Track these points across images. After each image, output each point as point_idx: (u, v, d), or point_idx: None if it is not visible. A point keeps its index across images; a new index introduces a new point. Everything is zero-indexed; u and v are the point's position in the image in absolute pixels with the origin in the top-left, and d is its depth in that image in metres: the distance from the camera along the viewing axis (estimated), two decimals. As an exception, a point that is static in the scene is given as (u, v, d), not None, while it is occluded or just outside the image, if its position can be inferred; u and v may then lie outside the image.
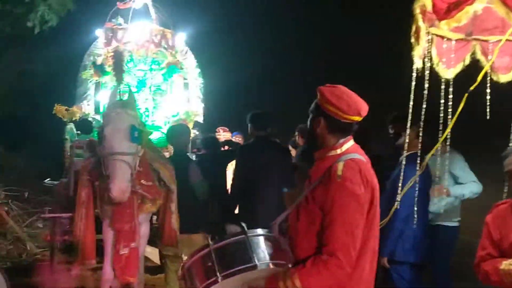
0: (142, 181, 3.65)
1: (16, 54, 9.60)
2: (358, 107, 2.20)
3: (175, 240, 3.99)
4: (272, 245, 2.03)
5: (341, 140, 2.23)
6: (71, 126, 6.06)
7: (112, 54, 3.86)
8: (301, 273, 2.00)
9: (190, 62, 7.05)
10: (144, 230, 3.84)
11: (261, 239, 2.01)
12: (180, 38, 6.97)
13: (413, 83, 2.96)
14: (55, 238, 5.67)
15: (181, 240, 4.08)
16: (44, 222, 6.97)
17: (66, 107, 6.07)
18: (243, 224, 2.03)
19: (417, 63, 2.91)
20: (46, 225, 6.98)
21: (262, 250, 1.97)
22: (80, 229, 3.79)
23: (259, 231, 2.05)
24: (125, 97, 3.72)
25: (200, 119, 6.95)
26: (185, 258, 4.54)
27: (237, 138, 6.80)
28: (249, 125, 4.43)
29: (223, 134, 6.68)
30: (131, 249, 3.57)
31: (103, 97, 6.52)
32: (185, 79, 6.96)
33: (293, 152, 5.74)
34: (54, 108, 6.02)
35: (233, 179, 4.48)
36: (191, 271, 2.02)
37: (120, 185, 3.28)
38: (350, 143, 2.25)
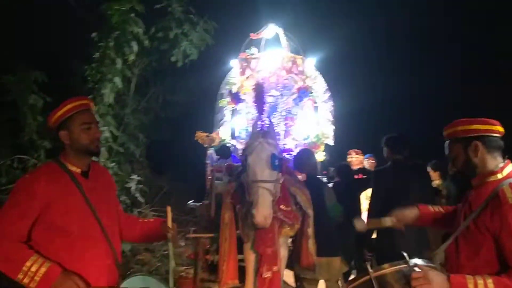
0: (282, 206, 3.78)
1: (161, 85, 10.52)
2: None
3: (312, 264, 4.02)
4: None
5: (501, 165, 2.16)
6: (211, 151, 6.46)
7: (253, 87, 4.10)
8: (497, 281, 1.91)
9: (319, 86, 7.11)
10: (282, 253, 3.94)
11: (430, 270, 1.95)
12: (310, 63, 7.11)
13: None
14: (198, 257, 6.07)
15: (318, 264, 4.10)
16: (186, 241, 7.48)
17: (207, 134, 6.49)
18: (405, 254, 2.00)
19: None
20: (189, 244, 7.50)
21: None
22: (225, 249, 4.02)
23: (419, 261, 2.01)
24: (266, 127, 3.90)
25: (331, 141, 6.93)
26: (321, 281, 4.56)
27: (370, 161, 6.67)
28: (384, 148, 4.34)
29: (355, 157, 6.60)
30: (274, 273, 3.69)
31: (238, 123, 6.95)
32: (315, 102, 7.05)
33: (433, 175, 5.49)
34: (196, 134, 6.47)
35: (370, 204, 4.41)
36: None
37: (263, 211, 3.43)
38: (510, 167, 2.17)
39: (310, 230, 3.98)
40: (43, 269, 2.13)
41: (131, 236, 2.69)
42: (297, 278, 5.48)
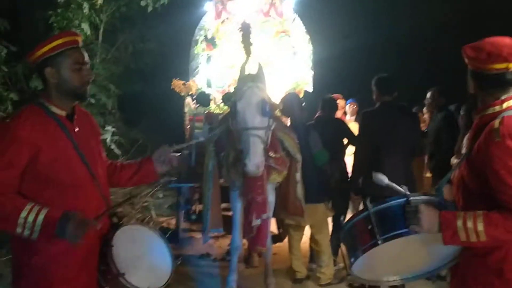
0: (271, 153, 3.62)
1: (130, 34, 10.02)
2: (504, 52, 1.90)
3: (300, 210, 3.94)
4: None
5: (503, 97, 1.95)
6: (188, 99, 6.23)
7: (240, 27, 3.85)
8: (487, 217, 1.80)
9: (298, 30, 6.87)
10: (270, 199, 3.84)
11: (423, 204, 1.88)
12: (289, 5, 6.84)
13: None
14: (179, 207, 5.97)
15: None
16: (165, 191, 7.35)
17: (183, 82, 6.23)
18: (405, 187, 1.91)
19: None
20: (168, 195, 7.39)
21: None
22: (208, 198, 3.89)
23: (419, 196, 1.93)
24: (255, 70, 3.68)
25: (310, 88, 6.78)
26: (307, 228, 4.52)
27: (352, 106, 6.55)
28: (373, 89, 4.19)
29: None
30: (263, 220, 3.58)
31: (214, 71, 6.68)
32: (293, 47, 6.80)
33: (421, 118, 5.36)
34: (172, 82, 6.20)
35: (357, 147, 4.31)
36: (351, 233, 2.03)
37: (256, 160, 3.27)
38: None
39: (298, 175, 3.87)
40: (41, 217, 1.93)
41: (117, 182, 2.46)
42: (280, 224, 5.46)
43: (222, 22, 6.80)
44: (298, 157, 3.86)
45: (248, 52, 3.74)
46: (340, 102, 6.44)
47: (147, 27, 10.26)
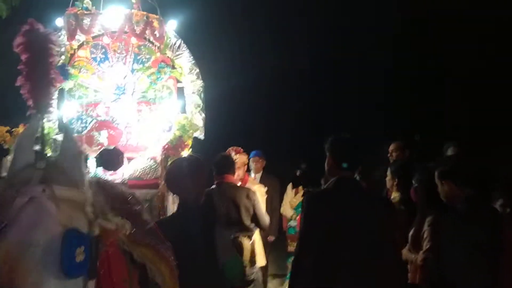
0: None
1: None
2: None
3: None
4: None
5: None
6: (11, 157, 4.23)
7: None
8: None
9: (185, 60, 5.37)
10: None
11: None
12: (171, 27, 5.29)
13: None
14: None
15: None
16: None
17: (8, 128, 4.32)
18: None
19: None
20: None
21: None
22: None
23: None
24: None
25: (201, 135, 5.31)
26: None
27: (258, 161, 5.12)
28: (328, 155, 2.66)
29: (236, 157, 4.96)
30: None
31: (68, 110, 5.06)
32: (179, 82, 5.39)
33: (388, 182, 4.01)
34: (-7, 130, 4.25)
35: (301, 244, 2.64)
36: None
37: None
38: None
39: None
40: None
41: None
42: None
43: (80, 45, 5.12)
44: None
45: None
46: (241, 157, 5.08)
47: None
